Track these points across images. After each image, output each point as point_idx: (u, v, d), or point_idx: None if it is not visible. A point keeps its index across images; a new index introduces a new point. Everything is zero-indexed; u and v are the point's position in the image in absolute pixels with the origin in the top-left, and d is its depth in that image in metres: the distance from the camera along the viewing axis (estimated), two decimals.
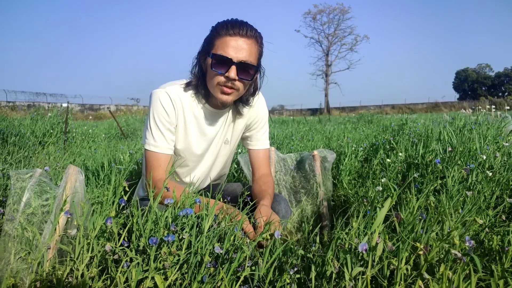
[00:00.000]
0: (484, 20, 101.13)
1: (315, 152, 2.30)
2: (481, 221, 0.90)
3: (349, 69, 50.27)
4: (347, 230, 1.08)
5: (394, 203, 1.55)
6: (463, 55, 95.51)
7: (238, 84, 1.41)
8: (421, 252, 0.79)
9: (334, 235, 0.95)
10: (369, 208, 1.82)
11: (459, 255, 0.74)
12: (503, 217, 1.46)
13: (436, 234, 0.99)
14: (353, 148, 3.35)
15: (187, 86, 1.49)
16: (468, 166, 1.57)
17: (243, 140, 1.78)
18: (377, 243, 0.79)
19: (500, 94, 51.31)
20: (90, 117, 13.84)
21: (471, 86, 58.14)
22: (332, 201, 2.68)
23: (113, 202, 1.14)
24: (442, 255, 0.79)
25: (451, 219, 0.91)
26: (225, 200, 1.34)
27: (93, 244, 0.99)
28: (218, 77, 1.38)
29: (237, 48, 1.34)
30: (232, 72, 1.35)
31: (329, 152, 2.34)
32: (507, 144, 1.68)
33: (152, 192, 1.20)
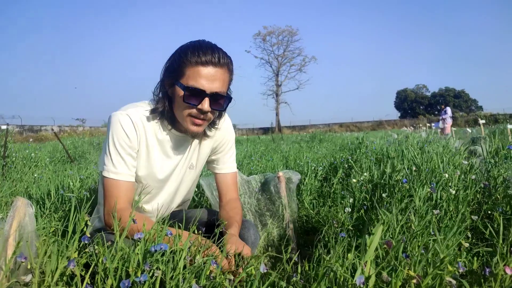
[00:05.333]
0: (420, 43, 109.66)
1: (280, 173, 2.27)
2: (466, 244, 0.90)
3: (298, 89, 51.92)
4: (328, 258, 1.03)
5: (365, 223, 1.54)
6: (402, 76, 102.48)
7: (210, 114, 1.35)
8: (414, 281, 0.76)
9: (322, 264, 0.90)
10: (338, 230, 1.81)
11: (454, 282, 0.73)
12: (469, 234, 1.50)
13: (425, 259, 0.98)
14: (313, 168, 3.37)
15: (153, 111, 1.39)
16: (432, 185, 1.61)
17: (209, 163, 1.70)
18: (370, 275, 0.75)
19: (436, 112, 55.25)
20: (31, 139, 12.91)
21: (411, 105, 62.37)
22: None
23: (71, 239, 1.01)
24: (437, 282, 0.77)
25: (437, 243, 0.90)
26: (200, 231, 1.25)
27: None
28: (190, 109, 1.30)
29: (210, 78, 1.27)
30: (206, 104, 1.28)
31: (294, 173, 2.32)
32: (465, 162, 1.77)
33: (115, 223, 1.08)
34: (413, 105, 62.02)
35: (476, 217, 1.53)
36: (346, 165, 3.41)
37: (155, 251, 0.97)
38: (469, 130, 6.92)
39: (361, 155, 3.35)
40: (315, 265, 1.14)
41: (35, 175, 3.98)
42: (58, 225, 2.32)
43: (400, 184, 1.64)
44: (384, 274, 0.74)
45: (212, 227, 1.51)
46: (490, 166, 1.99)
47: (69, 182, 2.82)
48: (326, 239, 1.70)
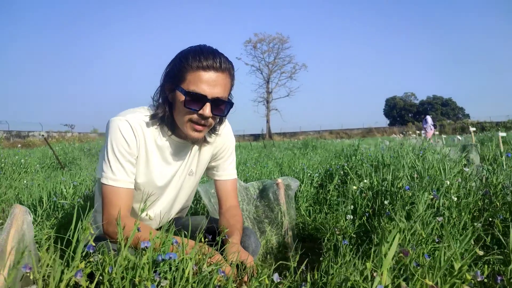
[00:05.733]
0: (408, 51, 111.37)
1: (279, 180, 2.26)
2: (481, 253, 0.89)
3: (289, 96, 52.09)
4: (337, 266, 1.02)
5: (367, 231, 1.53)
6: (391, 84, 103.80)
7: (211, 120, 1.33)
8: None
9: (335, 272, 0.88)
10: (340, 237, 1.80)
11: None
12: (471, 241, 1.49)
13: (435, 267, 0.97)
14: (309, 174, 3.36)
15: (153, 117, 1.37)
16: (433, 192, 1.61)
17: (209, 170, 1.67)
18: (387, 285, 0.73)
19: None
20: (19, 145, 12.65)
21: (399, 112, 63.11)
22: None
23: (75, 248, 0.97)
24: None
25: (451, 250, 0.89)
26: (207, 239, 1.22)
27: None
28: (191, 115, 1.28)
29: (211, 83, 1.25)
30: (207, 109, 1.26)
31: (293, 180, 2.31)
32: (466, 169, 1.77)
33: (119, 230, 1.05)
34: (402, 113, 62.78)
35: (479, 224, 1.53)
36: (342, 172, 3.41)
37: (163, 260, 0.94)
38: (459, 137, 6.99)
39: (356, 161, 3.35)
40: (322, 273, 1.12)
41: (25, 182, 3.90)
42: (50, 233, 2.26)
43: (403, 191, 1.63)
44: (403, 283, 0.73)
45: (212, 234, 1.49)
46: (488, 173, 2.00)
47: (62, 189, 2.76)
48: (328, 246, 1.68)
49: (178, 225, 1.64)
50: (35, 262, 0.97)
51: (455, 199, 1.63)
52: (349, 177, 3.17)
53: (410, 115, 61.71)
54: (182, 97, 1.26)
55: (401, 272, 0.90)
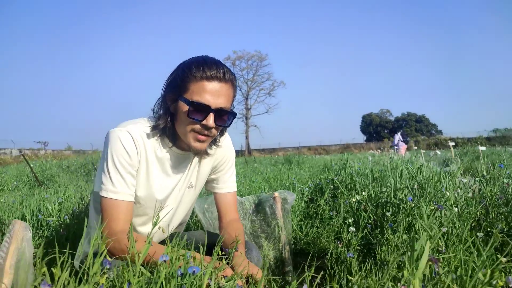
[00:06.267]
0: (384, 68, 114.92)
1: (276, 193, 2.23)
2: (504, 260, 0.90)
3: (267, 113, 52.44)
4: (355, 280, 1.00)
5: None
6: (367, 101, 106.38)
7: (214, 131, 1.31)
8: None
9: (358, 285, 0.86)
10: (343, 249, 1.78)
11: None
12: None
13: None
14: (299, 189, 3.35)
15: (153, 128, 1.33)
16: (434, 203, 1.63)
17: (208, 183, 1.63)
18: None
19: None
20: None
21: (376, 129, 64.61)
22: None
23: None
24: None
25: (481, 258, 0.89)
26: (224, 252, 1.18)
27: None
28: (194, 125, 1.26)
29: (214, 94, 1.24)
30: (210, 120, 1.24)
31: (289, 194, 2.29)
32: (464, 180, 1.80)
33: (132, 241, 1.00)
34: (378, 129, 64.31)
35: (482, 234, 1.55)
36: (332, 186, 3.42)
37: (182, 274, 0.90)
38: (438, 152, 7.20)
39: (346, 175, 3.37)
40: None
41: (2, 200, 3.72)
42: (35, 252, 2.14)
43: (405, 203, 1.64)
44: None
45: (212, 249, 1.45)
46: (481, 185, 2.05)
47: (46, 206, 2.64)
48: (333, 259, 1.66)
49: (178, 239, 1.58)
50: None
51: (456, 209, 1.65)
52: (339, 191, 3.18)
53: (386, 131, 63.25)
54: (185, 107, 1.24)
55: (428, 281, 0.89)
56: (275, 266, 2.19)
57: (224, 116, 1.31)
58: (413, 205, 1.63)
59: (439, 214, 1.63)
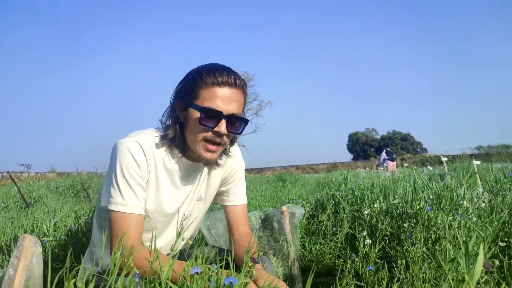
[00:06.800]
0: (368, 87, 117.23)
1: (284, 208, 2.17)
2: None
3: (255, 132, 52.55)
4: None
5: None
6: (353, 119, 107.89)
7: (226, 138, 1.26)
8: None
9: None
10: (359, 264, 1.72)
11: None
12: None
13: None
14: (301, 205, 3.30)
15: (162, 138, 1.28)
16: (453, 213, 1.59)
17: (218, 196, 1.57)
18: None
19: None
20: None
21: (362, 147, 65.32)
22: None
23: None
24: None
25: None
26: (253, 264, 1.11)
27: None
28: (205, 132, 1.21)
29: (226, 99, 1.20)
30: (223, 126, 1.20)
31: (297, 208, 2.23)
32: (480, 189, 1.78)
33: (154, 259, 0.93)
34: (365, 147, 65.03)
35: (504, 243, 1.51)
36: (333, 201, 3.37)
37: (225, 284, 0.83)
38: (430, 168, 7.29)
39: (347, 190, 3.33)
40: None
41: None
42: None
43: (424, 213, 1.60)
44: None
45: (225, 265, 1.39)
46: (491, 195, 2.03)
47: (41, 226, 2.52)
48: (351, 274, 1.59)
49: (186, 257, 1.51)
50: None
51: (474, 219, 1.62)
52: (341, 206, 3.13)
53: (372, 149, 64.02)
54: (196, 114, 1.20)
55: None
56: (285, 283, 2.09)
57: (236, 123, 1.26)
58: (432, 215, 1.59)
59: (460, 224, 1.59)
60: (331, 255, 2.76)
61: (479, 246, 0.85)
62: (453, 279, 0.80)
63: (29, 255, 1.03)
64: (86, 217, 2.68)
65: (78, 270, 1.31)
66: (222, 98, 1.19)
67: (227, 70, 1.23)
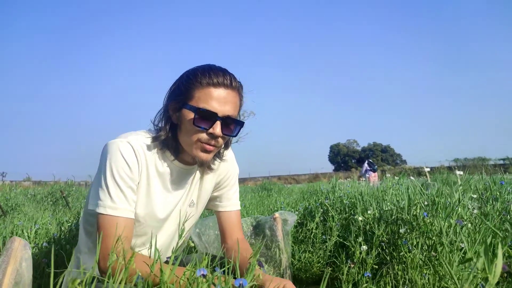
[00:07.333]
0: (349, 98, 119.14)
1: (277, 214, 2.14)
2: None
3: (237, 142, 52.42)
4: None
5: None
6: (334, 131, 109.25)
7: (221, 140, 1.23)
8: None
9: None
10: (355, 270, 1.70)
11: None
12: None
13: None
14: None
15: (154, 139, 1.24)
16: (449, 219, 1.60)
17: (210, 201, 1.53)
18: None
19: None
20: None
21: (343, 158, 66.04)
22: None
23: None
24: None
25: None
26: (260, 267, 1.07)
27: None
28: (200, 134, 1.18)
29: (221, 101, 1.17)
30: (217, 128, 1.17)
31: (289, 214, 2.20)
32: (475, 196, 1.80)
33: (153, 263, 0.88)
34: (346, 159, 65.79)
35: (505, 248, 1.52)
36: (321, 209, 3.36)
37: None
38: (412, 178, 7.36)
39: (336, 198, 3.33)
40: None
41: None
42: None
43: (420, 218, 1.60)
44: None
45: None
46: (481, 202, 2.05)
47: (22, 232, 2.41)
48: (347, 280, 1.57)
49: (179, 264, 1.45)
50: None
51: (469, 225, 1.63)
52: (330, 214, 3.12)
53: (353, 161, 64.80)
54: (190, 115, 1.16)
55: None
56: None
57: (231, 125, 1.23)
58: (428, 220, 1.59)
59: (455, 229, 1.59)
60: (320, 263, 2.74)
61: (496, 246, 0.84)
62: (470, 280, 0.79)
63: (18, 259, 0.97)
64: (69, 224, 2.58)
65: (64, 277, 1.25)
66: (217, 99, 1.16)
67: (223, 71, 1.20)
